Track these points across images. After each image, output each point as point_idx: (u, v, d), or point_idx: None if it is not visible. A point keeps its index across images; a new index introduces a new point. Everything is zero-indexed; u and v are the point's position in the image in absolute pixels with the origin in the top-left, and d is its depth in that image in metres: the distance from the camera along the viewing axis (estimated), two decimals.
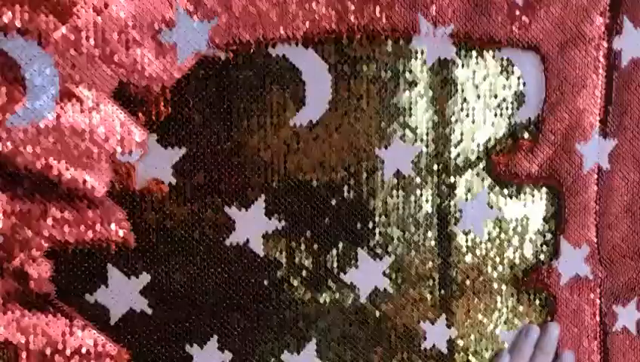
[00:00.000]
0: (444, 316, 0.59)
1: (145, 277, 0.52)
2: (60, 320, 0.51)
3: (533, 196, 0.60)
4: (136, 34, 0.49)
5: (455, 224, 0.58)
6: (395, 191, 0.56)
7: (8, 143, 0.48)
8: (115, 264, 0.52)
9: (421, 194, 0.57)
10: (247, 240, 0.54)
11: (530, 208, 0.60)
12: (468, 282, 0.59)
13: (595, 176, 0.60)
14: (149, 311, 0.53)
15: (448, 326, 0.59)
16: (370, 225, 0.56)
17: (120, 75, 0.50)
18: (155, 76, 0.50)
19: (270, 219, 0.54)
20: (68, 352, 0.52)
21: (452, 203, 0.58)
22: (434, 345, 0.59)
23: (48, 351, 0.51)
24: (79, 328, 0.52)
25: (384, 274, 0.57)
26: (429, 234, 0.58)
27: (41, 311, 0.51)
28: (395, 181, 0.56)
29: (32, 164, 0.49)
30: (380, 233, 0.56)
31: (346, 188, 0.55)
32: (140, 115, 0.51)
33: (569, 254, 0.61)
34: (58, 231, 0.50)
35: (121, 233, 0.51)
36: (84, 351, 0.52)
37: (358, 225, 0.56)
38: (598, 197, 0.61)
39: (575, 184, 0.60)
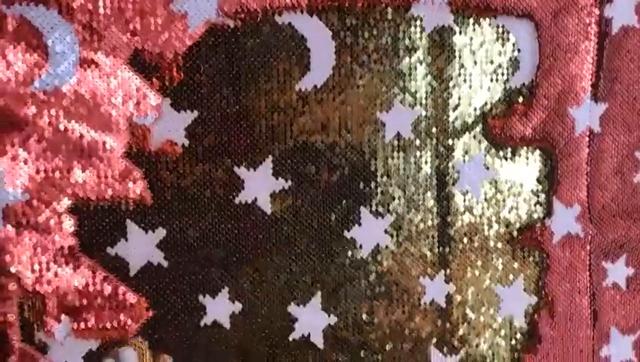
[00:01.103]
0: (442, 272, 0.62)
1: (161, 232, 0.56)
2: (84, 271, 0.55)
3: (527, 158, 0.63)
4: (149, 3, 0.52)
5: (453, 185, 0.61)
6: (395, 153, 0.60)
7: (33, 107, 0.52)
8: (134, 219, 0.55)
9: (421, 156, 0.60)
10: (256, 199, 0.57)
11: (525, 170, 0.63)
12: (465, 240, 0.62)
13: (587, 139, 0.63)
14: (165, 264, 0.56)
15: (447, 282, 0.63)
16: (373, 185, 0.59)
17: (135, 43, 0.53)
18: (167, 44, 0.54)
19: (277, 179, 0.57)
20: (91, 301, 0.55)
21: (450, 164, 0.61)
22: (433, 300, 0.62)
23: (73, 301, 0.55)
24: (101, 279, 0.55)
25: (386, 231, 0.60)
26: (428, 194, 0.61)
27: (66, 264, 0.55)
28: (396, 143, 0.59)
29: (56, 127, 0.52)
30: (381, 192, 0.60)
31: (349, 149, 0.58)
32: (155, 80, 0.54)
33: (561, 213, 0.64)
34: (80, 189, 0.54)
35: (138, 191, 0.55)
36: (106, 300, 0.56)
37: (361, 185, 0.59)
38: (589, 159, 0.63)
39: (567, 146, 0.63)
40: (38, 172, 0.53)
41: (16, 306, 0.54)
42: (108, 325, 0.56)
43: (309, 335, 0.59)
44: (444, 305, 0.63)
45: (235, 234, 0.57)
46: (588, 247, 0.65)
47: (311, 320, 0.59)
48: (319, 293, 0.60)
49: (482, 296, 0.64)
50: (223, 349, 0.58)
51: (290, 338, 0.59)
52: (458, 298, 0.63)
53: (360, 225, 0.60)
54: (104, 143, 0.54)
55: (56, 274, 0.54)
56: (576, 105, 0.62)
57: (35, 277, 0.54)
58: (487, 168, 0.62)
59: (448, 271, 0.63)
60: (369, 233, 0.60)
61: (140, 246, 0.55)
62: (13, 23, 0.50)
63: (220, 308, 0.58)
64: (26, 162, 0.53)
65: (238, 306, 0.58)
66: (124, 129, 0.54)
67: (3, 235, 0.53)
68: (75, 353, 0.56)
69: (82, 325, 0.55)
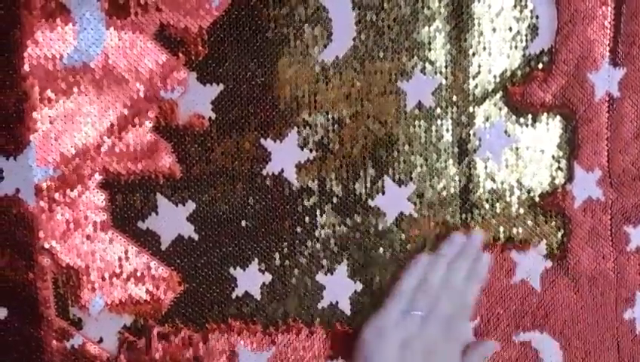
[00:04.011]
0: None
1: (190, 205, 0.57)
2: (116, 246, 0.56)
3: (547, 124, 0.63)
4: None
5: (474, 152, 0.62)
6: (417, 122, 0.60)
7: (63, 84, 0.53)
8: (164, 193, 0.56)
9: (442, 124, 0.61)
10: (282, 170, 0.58)
11: (545, 136, 0.64)
12: (487, 206, 0.63)
13: (606, 104, 0.64)
14: (196, 237, 0.57)
15: None
16: (395, 153, 0.60)
17: (160, 18, 0.54)
18: (192, 18, 0.54)
19: (302, 150, 0.58)
20: (124, 276, 0.57)
21: (471, 132, 0.62)
22: None
23: (107, 275, 0.56)
24: (134, 253, 0.56)
25: (408, 199, 0.61)
26: (450, 161, 0.62)
27: (98, 239, 0.56)
28: (417, 112, 0.60)
29: (85, 102, 0.53)
30: (403, 161, 0.60)
31: (371, 119, 0.59)
32: (180, 55, 0.55)
33: (582, 178, 0.64)
34: (110, 164, 0.55)
35: (167, 165, 0.56)
36: (139, 274, 0.57)
37: (384, 154, 0.60)
38: (609, 123, 0.64)
39: (587, 112, 0.64)
40: (68, 148, 0.54)
41: (51, 281, 0.56)
42: (141, 299, 0.57)
43: (337, 302, 0.60)
44: None
45: (262, 206, 0.58)
46: (609, 212, 0.66)
47: (338, 287, 0.60)
48: (345, 262, 0.61)
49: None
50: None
51: (319, 306, 0.60)
52: None
53: (383, 193, 0.60)
54: (133, 118, 0.55)
55: (89, 250, 0.56)
56: (594, 70, 0.63)
57: (68, 253, 0.55)
58: (508, 135, 0.63)
59: None
60: (392, 201, 0.61)
61: (171, 220, 0.57)
62: (40, 0, 0.51)
63: (250, 280, 0.59)
64: (56, 139, 0.54)
65: (268, 277, 0.59)
66: (152, 103, 0.55)
67: (36, 211, 0.54)
68: (109, 328, 0.57)
69: (116, 300, 0.57)
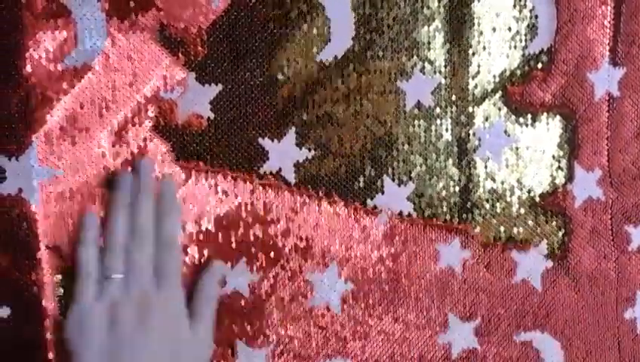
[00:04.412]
0: (458, 238, 0.63)
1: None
2: None
3: (547, 124, 0.63)
4: None
5: (474, 152, 0.62)
6: (416, 121, 0.60)
7: (65, 84, 0.54)
8: None
9: (441, 124, 0.61)
10: (280, 169, 0.58)
11: (545, 135, 0.64)
12: (488, 206, 0.63)
13: (606, 103, 0.64)
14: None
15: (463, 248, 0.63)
16: (394, 153, 0.60)
17: (160, 18, 0.54)
18: (192, 19, 0.55)
19: (301, 149, 0.59)
20: None
21: (471, 132, 0.62)
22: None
23: None
24: None
25: (408, 199, 0.61)
26: (450, 161, 0.62)
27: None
28: (417, 111, 0.60)
29: (86, 103, 0.54)
30: (403, 160, 0.61)
31: (370, 119, 0.59)
32: (180, 55, 0.56)
33: (582, 178, 0.64)
34: (111, 163, 0.56)
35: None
36: None
37: (383, 154, 0.60)
38: (609, 123, 0.64)
39: (587, 111, 0.63)
40: (70, 148, 0.55)
41: (52, 276, 0.56)
42: None
43: (327, 303, 0.61)
44: (458, 270, 0.63)
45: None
46: (610, 211, 0.65)
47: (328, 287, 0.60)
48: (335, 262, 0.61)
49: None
50: None
51: (309, 306, 0.60)
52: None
53: (383, 193, 0.61)
54: (132, 118, 0.55)
55: None
56: (594, 70, 0.63)
57: (70, 249, 0.56)
58: (508, 135, 0.63)
59: (466, 237, 0.63)
60: (392, 201, 0.61)
61: None
62: (41, 1, 0.52)
63: None
64: (58, 138, 0.55)
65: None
66: (152, 103, 0.56)
67: (38, 211, 0.55)
68: None
69: None
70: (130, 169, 0.55)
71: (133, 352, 0.49)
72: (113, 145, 0.55)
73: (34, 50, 0.53)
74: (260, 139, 0.58)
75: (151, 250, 0.52)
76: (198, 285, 0.55)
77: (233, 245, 0.58)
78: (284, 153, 0.58)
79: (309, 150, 0.59)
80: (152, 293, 0.51)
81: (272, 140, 0.58)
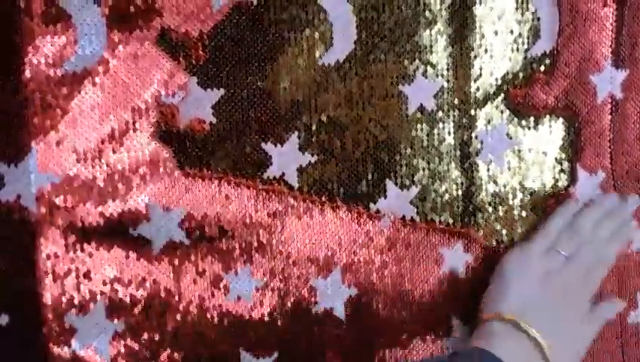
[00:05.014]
0: (461, 241, 0.63)
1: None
2: (116, 251, 0.56)
3: (550, 126, 0.63)
4: None
5: (477, 155, 0.62)
6: (419, 125, 0.60)
7: (64, 90, 0.53)
8: None
9: (443, 127, 0.61)
10: (283, 174, 0.58)
11: (548, 138, 0.63)
12: (490, 209, 0.63)
13: (609, 106, 0.64)
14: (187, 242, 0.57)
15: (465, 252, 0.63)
16: (397, 157, 0.60)
17: (161, 23, 0.54)
18: (193, 23, 0.54)
19: (304, 153, 0.58)
20: (125, 280, 0.57)
21: (473, 135, 0.62)
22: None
23: (107, 280, 0.56)
24: (133, 258, 0.56)
25: (411, 203, 0.61)
26: (452, 165, 0.61)
27: (98, 244, 0.56)
28: (419, 115, 0.60)
29: (86, 108, 0.53)
30: (406, 164, 0.60)
31: (372, 123, 0.59)
32: (181, 59, 0.55)
33: (585, 180, 0.64)
34: (111, 169, 0.55)
35: (168, 170, 0.56)
36: (139, 279, 0.57)
37: (386, 158, 0.60)
38: (612, 125, 0.64)
39: (590, 114, 0.63)
40: (70, 154, 0.54)
41: (52, 286, 0.55)
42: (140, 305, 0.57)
43: (331, 308, 0.60)
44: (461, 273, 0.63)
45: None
46: None
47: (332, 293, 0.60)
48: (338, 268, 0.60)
49: None
50: None
51: (313, 312, 0.60)
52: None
53: (385, 197, 0.60)
54: (133, 123, 0.55)
55: (89, 254, 0.56)
56: (597, 72, 0.63)
57: (69, 258, 0.55)
58: (510, 138, 0.62)
59: (469, 240, 0.63)
60: (395, 205, 0.61)
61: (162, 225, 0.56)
62: (41, 6, 0.51)
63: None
64: (57, 144, 0.54)
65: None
66: (153, 108, 0.55)
67: (37, 217, 0.54)
68: (106, 335, 0.57)
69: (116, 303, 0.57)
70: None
71: (551, 312, 0.58)
72: (114, 152, 0.55)
73: (33, 56, 0.52)
74: (262, 144, 0.57)
75: (594, 256, 0.61)
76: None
77: (237, 251, 0.58)
78: (287, 158, 0.58)
79: (312, 155, 0.58)
80: (576, 285, 0.60)
81: (275, 145, 0.57)
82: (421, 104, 0.60)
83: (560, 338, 0.57)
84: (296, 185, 0.58)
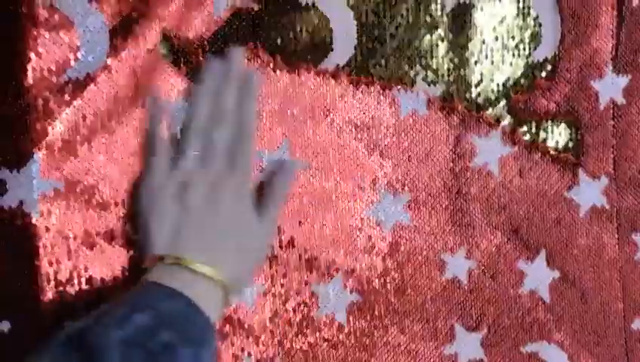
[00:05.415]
0: (464, 248, 0.62)
1: None
2: (120, 256, 0.56)
3: (552, 132, 0.63)
4: None
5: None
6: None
7: (67, 96, 0.53)
8: None
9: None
10: None
11: (549, 144, 0.63)
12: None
13: (611, 112, 0.63)
14: None
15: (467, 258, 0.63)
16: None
17: (163, 29, 0.54)
18: (194, 29, 0.55)
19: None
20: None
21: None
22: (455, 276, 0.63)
23: (106, 286, 0.56)
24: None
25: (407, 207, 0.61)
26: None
27: (100, 250, 0.56)
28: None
29: (89, 113, 0.54)
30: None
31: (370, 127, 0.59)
32: (182, 65, 0.55)
33: (587, 186, 0.64)
34: (109, 177, 0.55)
35: None
36: None
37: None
38: (614, 131, 0.64)
39: (592, 119, 0.63)
40: (72, 160, 0.54)
41: (52, 293, 0.56)
42: None
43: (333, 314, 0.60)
44: (465, 282, 0.63)
45: None
46: (615, 220, 0.65)
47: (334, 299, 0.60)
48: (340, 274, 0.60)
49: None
50: None
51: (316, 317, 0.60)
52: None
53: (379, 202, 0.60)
54: (135, 129, 0.55)
55: (91, 260, 0.56)
56: (598, 78, 0.62)
57: (71, 264, 0.55)
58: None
59: (470, 246, 0.62)
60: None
61: None
62: (44, 12, 0.52)
63: None
64: (60, 151, 0.54)
65: None
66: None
67: (39, 224, 0.54)
68: None
69: None
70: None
71: (199, 228, 0.50)
72: (116, 157, 0.55)
73: (36, 62, 0.53)
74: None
75: (228, 134, 0.52)
76: (271, 181, 0.54)
77: None
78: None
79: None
80: (224, 174, 0.51)
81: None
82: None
83: (230, 257, 0.50)
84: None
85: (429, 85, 0.59)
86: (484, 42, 0.60)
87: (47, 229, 0.55)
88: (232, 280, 0.49)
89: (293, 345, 0.59)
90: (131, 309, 0.44)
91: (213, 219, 0.50)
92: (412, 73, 0.59)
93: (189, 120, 0.52)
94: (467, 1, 0.59)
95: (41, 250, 0.55)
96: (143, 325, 0.42)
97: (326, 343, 0.60)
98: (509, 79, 0.61)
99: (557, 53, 0.62)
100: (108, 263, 0.56)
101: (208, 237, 0.50)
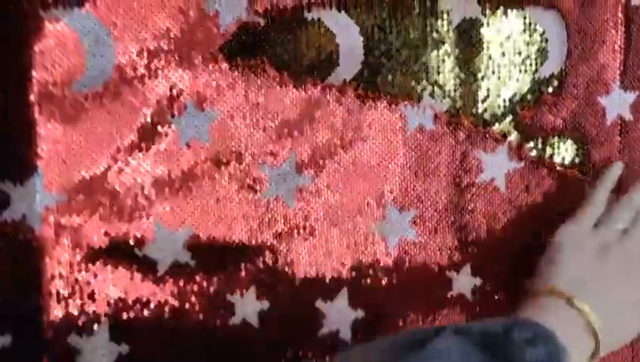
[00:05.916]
0: (469, 264, 0.62)
1: (187, 232, 0.57)
2: (121, 272, 0.56)
3: (558, 148, 0.63)
4: (182, 3, 0.53)
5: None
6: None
7: (71, 110, 0.53)
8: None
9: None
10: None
11: (556, 160, 0.63)
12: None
13: (618, 128, 0.63)
14: (192, 263, 0.57)
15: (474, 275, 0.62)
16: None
17: (169, 42, 0.54)
18: (199, 43, 0.55)
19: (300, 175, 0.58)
20: (130, 301, 0.56)
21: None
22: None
23: (112, 301, 0.56)
24: (138, 280, 0.56)
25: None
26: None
27: (102, 263, 0.56)
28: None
29: (93, 127, 0.54)
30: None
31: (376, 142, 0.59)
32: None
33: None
34: (113, 189, 0.55)
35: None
36: (144, 300, 0.56)
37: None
38: (621, 147, 0.63)
39: (599, 135, 0.63)
40: (76, 173, 0.54)
41: (54, 307, 0.55)
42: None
43: (337, 331, 0.59)
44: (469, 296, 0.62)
45: None
46: None
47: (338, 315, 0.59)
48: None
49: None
50: None
51: (319, 334, 0.59)
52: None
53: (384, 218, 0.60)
54: (139, 143, 0.55)
55: (94, 275, 0.55)
56: (605, 94, 0.62)
57: (73, 278, 0.55)
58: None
59: (475, 263, 0.62)
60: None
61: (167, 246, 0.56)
62: (50, 26, 0.52)
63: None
64: (63, 164, 0.54)
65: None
66: (159, 129, 0.55)
67: (42, 237, 0.54)
68: (109, 355, 0.56)
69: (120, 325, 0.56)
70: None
71: (608, 290, 0.55)
72: (120, 172, 0.55)
73: (40, 76, 0.52)
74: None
75: None
76: None
77: (242, 273, 0.57)
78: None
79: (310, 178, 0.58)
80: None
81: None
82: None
83: (614, 318, 0.54)
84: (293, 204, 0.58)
85: (435, 100, 0.59)
86: (490, 58, 0.60)
87: (50, 243, 0.54)
88: (607, 331, 0.52)
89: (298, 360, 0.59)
90: (533, 337, 0.46)
91: (624, 289, 0.55)
92: (419, 88, 0.59)
93: (630, 196, 0.60)
94: (474, 17, 0.59)
95: (43, 264, 0.54)
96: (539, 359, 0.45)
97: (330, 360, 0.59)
98: (515, 95, 0.61)
99: (564, 68, 0.62)
100: (110, 278, 0.56)
101: (610, 294, 0.55)
